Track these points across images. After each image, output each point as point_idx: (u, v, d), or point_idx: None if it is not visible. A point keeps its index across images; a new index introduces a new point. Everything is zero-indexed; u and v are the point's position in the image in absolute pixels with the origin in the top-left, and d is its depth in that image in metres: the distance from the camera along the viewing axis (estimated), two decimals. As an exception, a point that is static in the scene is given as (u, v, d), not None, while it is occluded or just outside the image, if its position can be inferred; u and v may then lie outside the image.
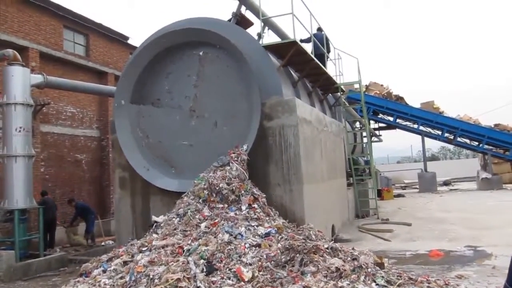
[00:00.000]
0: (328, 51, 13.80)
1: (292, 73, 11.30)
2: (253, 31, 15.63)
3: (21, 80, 10.92)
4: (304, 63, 10.82)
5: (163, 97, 10.02)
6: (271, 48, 9.90)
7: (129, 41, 19.53)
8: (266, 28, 10.93)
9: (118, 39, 18.84)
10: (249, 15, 10.90)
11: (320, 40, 12.69)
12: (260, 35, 10.90)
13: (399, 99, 26.92)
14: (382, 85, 27.82)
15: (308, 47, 11.62)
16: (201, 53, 9.70)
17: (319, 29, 13.36)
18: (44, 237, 11.43)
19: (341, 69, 15.12)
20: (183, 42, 9.73)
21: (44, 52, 14.76)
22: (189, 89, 9.76)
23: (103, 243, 13.61)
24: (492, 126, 25.73)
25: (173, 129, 9.85)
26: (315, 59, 10.95)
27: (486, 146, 25.36)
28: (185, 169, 9.59)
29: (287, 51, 9.72)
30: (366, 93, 17.26)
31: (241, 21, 10.73)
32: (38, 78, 11.86)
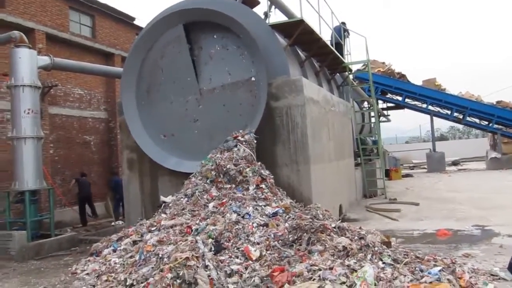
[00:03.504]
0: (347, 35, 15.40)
1: (299, 52, 11.19)
2: (259, 10, 15.42)
3: (29, 62, 10.91)
4: (311, 42, 10.69)
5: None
6: (278, 27, 9.77)
7: (135, 22, 19.37)
8: (273, 7, 10.76)
9: (124, 20, 18.67)
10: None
11: (339, 31, 14.22)
12: (266, 14, 10.77)
13: (402, 76, 26.47)
14: (383, 63, 27.33)
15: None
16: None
17: (343, 23, 14.90)
18: (83, 210, 14.08)
19: (348, 48, 14.97)
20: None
21: (50, 34, 14.69)
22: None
23: (113, 223, 13.81)
24: (494, 103, 25.45)
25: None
26: (322, 37, 10.81)
27: (496, 126, 25.12)
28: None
29: (294, 30, 9.60)
30: (367, 71, 17.15)
31: (247, 0, 10.58)
32: (45, 60, 11.86)
